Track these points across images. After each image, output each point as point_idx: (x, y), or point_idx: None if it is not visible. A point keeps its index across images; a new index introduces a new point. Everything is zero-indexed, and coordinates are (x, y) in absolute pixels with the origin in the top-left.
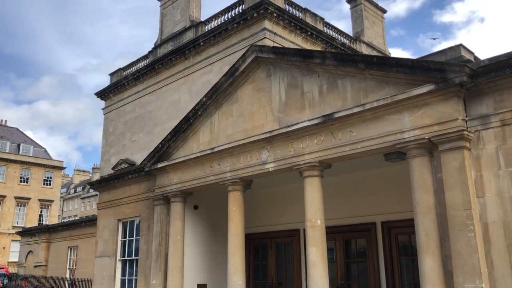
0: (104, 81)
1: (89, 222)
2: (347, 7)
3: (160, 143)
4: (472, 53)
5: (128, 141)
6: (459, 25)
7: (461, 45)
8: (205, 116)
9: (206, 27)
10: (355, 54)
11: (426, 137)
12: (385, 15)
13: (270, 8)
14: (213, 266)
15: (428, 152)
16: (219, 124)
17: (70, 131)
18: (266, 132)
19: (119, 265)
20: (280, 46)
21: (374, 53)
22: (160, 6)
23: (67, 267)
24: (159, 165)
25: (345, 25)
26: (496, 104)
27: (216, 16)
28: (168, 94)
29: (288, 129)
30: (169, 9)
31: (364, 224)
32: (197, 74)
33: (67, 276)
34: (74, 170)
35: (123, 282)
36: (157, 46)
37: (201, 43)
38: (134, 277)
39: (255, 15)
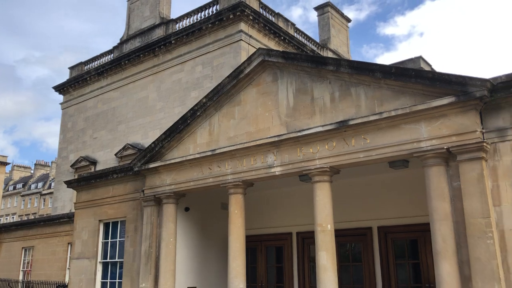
0: (46, 74)
1: (49, 221)
2: (296, 14)
3: (153, 143)
4: (430, 65)
5: (88, 138)
6: (400, 38)
7: (420, 57)
8: (203, 117)
9: (177, 25)
10: (372, 63)
11: (445, 147)
12: None
13: (246, 10)
14: (203, 269)
15: (445, 161)
16: (220, 126)
17: (6, 125)
18: (274, 136)
19: (99, 268)
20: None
21: None
22: (128, 1)
23: (21, 268)
24: (151, 165)
25: None
26: None
27: (188, 15)
28: (135, 91)
29: (299, 134)
30: (137, 5)
31: (360, 228)
32: (167, 73)
33: (20, 278)
34: (13, 165)
35: (104, 284)
36: (123, 42)
37: (173, 41)
38: (117, 280)
39: (231, 16)
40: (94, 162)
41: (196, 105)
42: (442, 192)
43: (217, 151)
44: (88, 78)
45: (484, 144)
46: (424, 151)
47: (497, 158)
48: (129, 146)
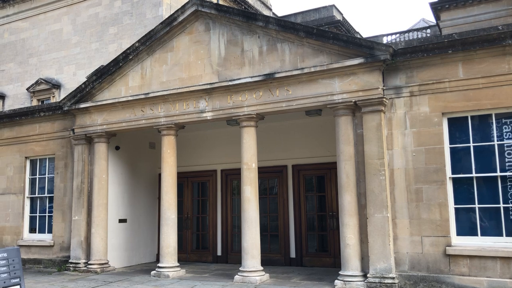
0: None
1: None
2: None
3: (84, 83)
4: (341, 13)
5: None
6: None
7: (333, 6)
8: (136, 61)
9: None
10: (297, 23)
11: (353, 101)
12: None
13: None
14: (132, 203)
15: (352, 112)
16: (152, 71)
17: None
18: (206, 84)
19: (27, 203)
20: None
21: None
22: None
23: None
24: (82, 106)
25: None
26: (407, 79)
27: None
28: (47, 23)
29: (230, 83)
30: None
31: (277, 166)
32: (84, 5)
33: None
34: None
35: (33, 218)
36: None
37: None
38: (47, 214)
39: None
40: (2, 96)
41: (128, 48)
42: (348, 137)
43: (151, 95)
44: None
45: (384, 99)
46: (336, 103)
47: (393, 111)
48: (42, 81)
